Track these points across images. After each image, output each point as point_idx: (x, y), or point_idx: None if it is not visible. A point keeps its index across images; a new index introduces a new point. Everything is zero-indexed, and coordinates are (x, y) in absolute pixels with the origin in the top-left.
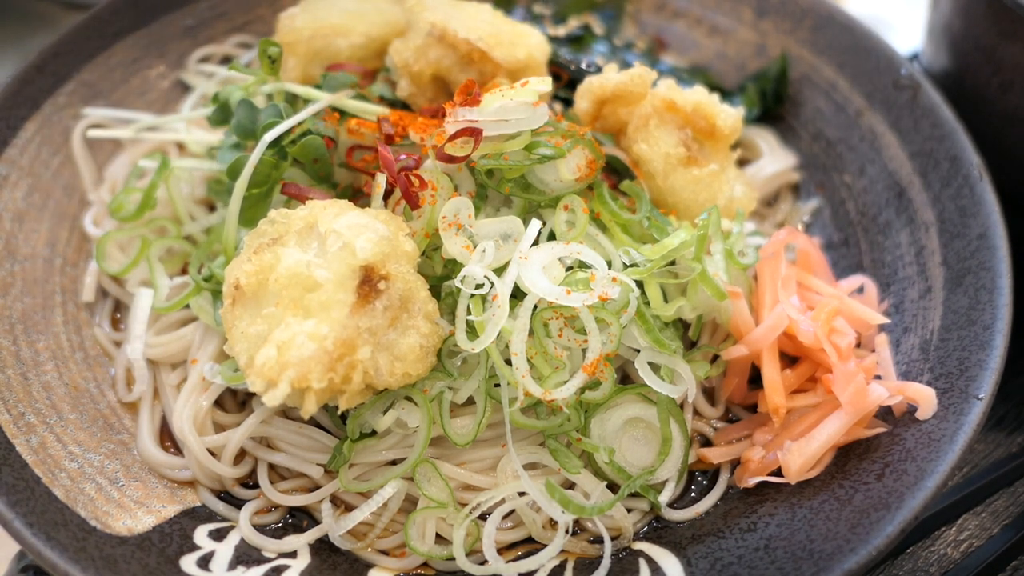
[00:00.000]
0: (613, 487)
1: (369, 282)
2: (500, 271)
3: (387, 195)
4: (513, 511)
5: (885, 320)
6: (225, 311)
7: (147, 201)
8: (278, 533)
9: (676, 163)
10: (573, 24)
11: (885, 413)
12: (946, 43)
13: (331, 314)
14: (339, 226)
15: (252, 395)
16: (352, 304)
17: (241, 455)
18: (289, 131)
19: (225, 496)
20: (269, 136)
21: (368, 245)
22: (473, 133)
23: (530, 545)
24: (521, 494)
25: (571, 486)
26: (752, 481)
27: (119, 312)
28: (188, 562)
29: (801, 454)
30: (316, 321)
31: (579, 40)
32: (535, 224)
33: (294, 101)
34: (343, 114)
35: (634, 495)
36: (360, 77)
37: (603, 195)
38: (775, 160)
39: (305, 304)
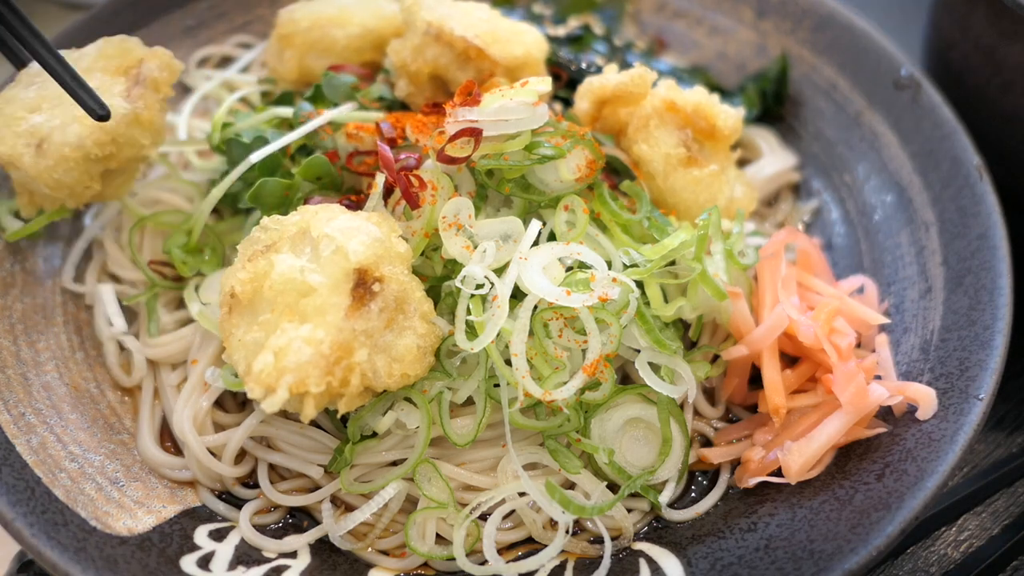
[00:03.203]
0: (613, 487)
1: (363, 284)
2: (500, 271)
3: (387, 195)
4: (513, 511)
5: (885, 320)
6: (222, 320)
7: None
8: (278, 533)
9: (676, 163)
10: (573, 24)
11: (885, 413)
12: (946, 43)
13: (326, 318)
14: (331, 230)
15: None
16: (347, 307)
17: (241, 455)
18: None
19: (225, 496)
20: (255, 157)
21: (361, 248)
22: (473, 133)
23: (530, 545)
24: (521, 494)
25: (571, 486)
26: (752, 481)
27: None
28: (188, 562)
29: (801, 454)
30: (312, 326)
31: (579, 40)
32: (535, 224)
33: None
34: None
35: (634, 495)
36: (359, 79)
37: (603, 195)
38: (775, 160)
39: (300, 309)
